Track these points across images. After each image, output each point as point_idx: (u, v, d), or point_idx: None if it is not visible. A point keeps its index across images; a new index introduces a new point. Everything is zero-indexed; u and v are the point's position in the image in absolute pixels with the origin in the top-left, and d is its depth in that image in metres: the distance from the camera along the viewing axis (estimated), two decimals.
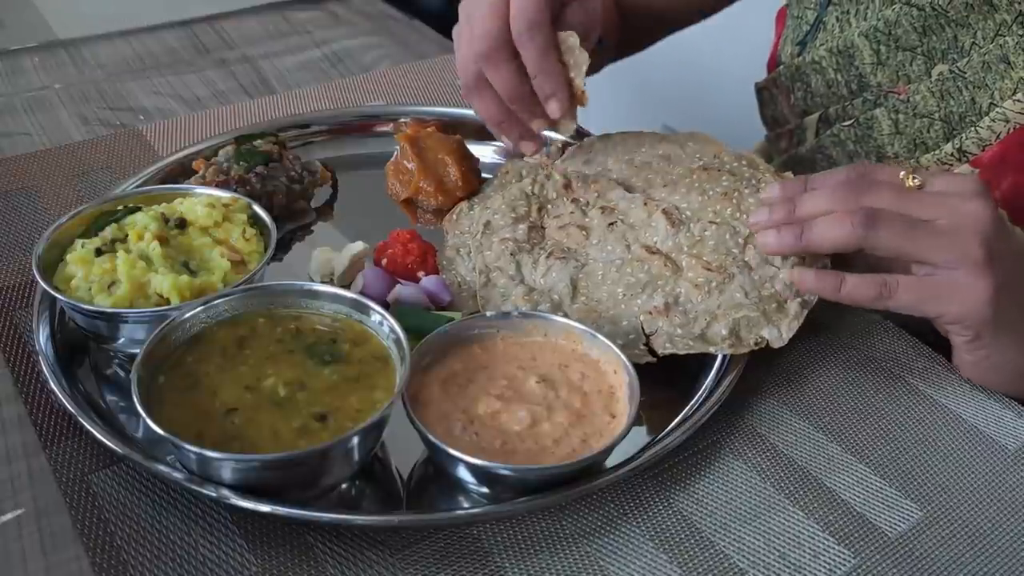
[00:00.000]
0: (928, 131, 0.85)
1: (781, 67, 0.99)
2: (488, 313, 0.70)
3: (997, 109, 0.81)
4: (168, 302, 0.68)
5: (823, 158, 0.96)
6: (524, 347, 0.68)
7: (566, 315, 0.71)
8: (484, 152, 0.95)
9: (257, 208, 0.77)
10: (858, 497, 0.63)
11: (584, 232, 0.77)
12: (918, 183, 0.69)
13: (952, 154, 0.84)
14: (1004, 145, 0.81)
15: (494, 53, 0.79)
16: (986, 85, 0.81)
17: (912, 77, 0.86)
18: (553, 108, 0.81)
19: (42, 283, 0.68)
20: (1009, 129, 0.80)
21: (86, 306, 0.67)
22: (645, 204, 0.78)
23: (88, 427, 0.63)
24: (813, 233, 0.68)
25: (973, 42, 0.81)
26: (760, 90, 1.05)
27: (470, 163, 0.89)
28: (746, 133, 1.12)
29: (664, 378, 0.69)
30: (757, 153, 0.98)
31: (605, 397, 0.64)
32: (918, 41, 0.84)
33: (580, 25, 0.82)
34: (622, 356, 0.64)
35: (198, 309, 0.65)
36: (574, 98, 0.82)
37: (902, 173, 0.69)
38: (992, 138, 0.81)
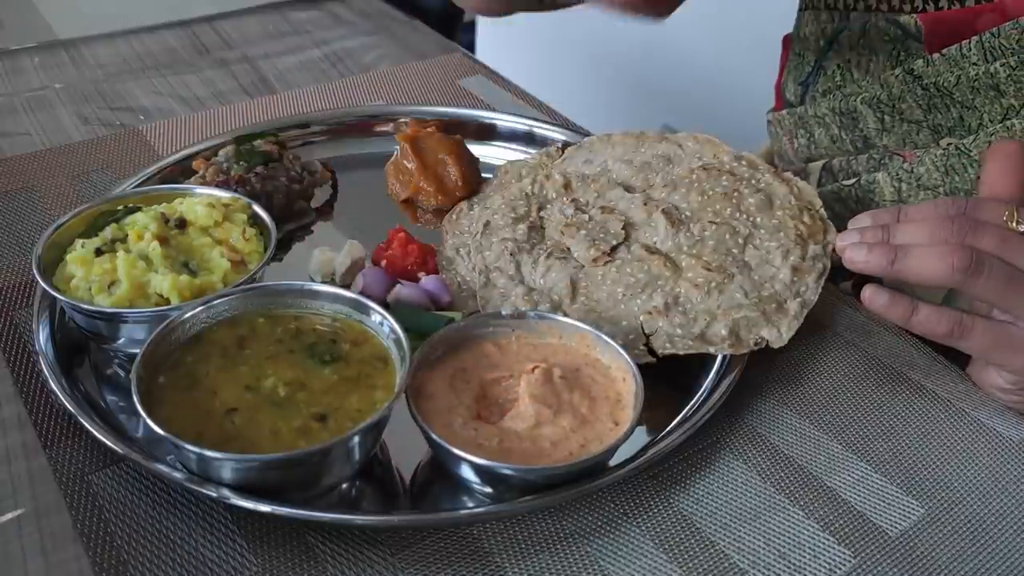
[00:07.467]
0: None
1: (785, 111, 0.98)
2: (504, 311, 0.70)
3: None
4: (168, 302, 0.68)
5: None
6: (537, 348, 0.67)
7: (566, 315, 0.71)
8: (484, 152, 0.95)
9: (257, 208, 0.77)
10: (859, 496, 0.63)
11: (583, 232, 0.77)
12: (1023, 229, 0.66)
13: None
14: None
15: None
16: None
17: (919, 144, 0.84)
18: None
19: (42, 283, 0.68)
20: None
21: (86, 306, 0.67)
22: (645, 204, 0.78)
23: (88, 427, 0.63)
24: (909, 261, 0.65)
25: (980, 123, 0.79)
26: (768, 123, 1.04)
27: (470, 163, 0.89)
28: (747, 134, 1.12)
29: (664, 378, 0.69)
30: (760, 155, 0.98)
31: (612, 404, 0.64)
32: (923, 117, 0.82)
33: None
34: (632, 364, 0.64)
35: (198, 309, 0.65)
36: None
37: (1005, 213, 0.66)
38: None
